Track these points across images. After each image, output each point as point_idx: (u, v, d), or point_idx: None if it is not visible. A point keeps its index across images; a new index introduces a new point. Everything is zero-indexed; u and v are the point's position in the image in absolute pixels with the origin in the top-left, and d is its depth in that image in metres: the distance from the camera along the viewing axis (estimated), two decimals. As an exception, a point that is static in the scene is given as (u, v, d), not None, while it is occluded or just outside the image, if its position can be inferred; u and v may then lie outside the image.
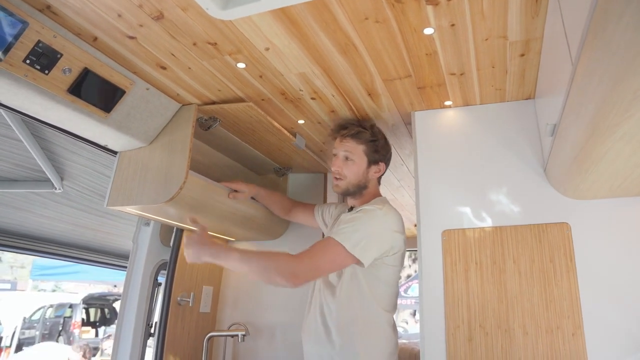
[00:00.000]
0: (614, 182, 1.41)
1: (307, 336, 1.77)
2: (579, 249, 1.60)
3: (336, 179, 1.82)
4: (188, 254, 1.58)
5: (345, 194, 1.84)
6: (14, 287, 14.51)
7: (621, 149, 1.10)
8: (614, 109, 0.89)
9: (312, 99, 1.85)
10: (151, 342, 2.22)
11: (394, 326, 1.73)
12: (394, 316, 1.77)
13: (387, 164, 1.88)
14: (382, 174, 1.87)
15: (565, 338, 1.53)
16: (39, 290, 14.02)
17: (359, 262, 1.57)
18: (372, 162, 1.81)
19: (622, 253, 1.56)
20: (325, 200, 2.66)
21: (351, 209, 1.85)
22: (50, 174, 2.74)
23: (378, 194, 1.86)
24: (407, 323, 8.94)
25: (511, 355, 1.56)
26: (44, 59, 1.32)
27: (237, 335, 2.34)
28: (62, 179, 2.86)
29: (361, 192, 1.82)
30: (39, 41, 1.28)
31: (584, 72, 0.94)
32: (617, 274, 1.54)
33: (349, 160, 1.79)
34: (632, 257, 1.54)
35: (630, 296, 1.51)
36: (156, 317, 2.24)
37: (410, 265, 8.54)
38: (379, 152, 1.83)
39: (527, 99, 1.83)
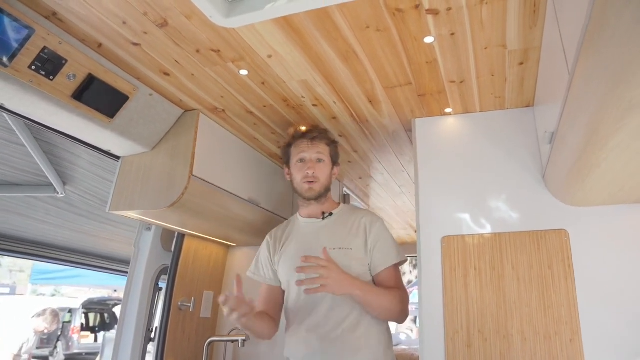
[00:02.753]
0: (612, 190, 1.42)
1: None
2: (577, 255, 1.62)
3: (310, 182, 1.75)
4: (333, 281, 1.47)
5: (318, 197, 1.77)
6: (13, 292, 14.46)
7: (617, 157, 1.11)
8: (610, 117, 0.91)
9: (314, 105, 1.87)
10: (151, 347, 2.22)
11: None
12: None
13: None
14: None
15: (563, 344, 1.54)
16: (38, 295, 13.98)
17: None
18: (334, 163, 1.82)
19: (620, 260, 1.57)
20: None
21: (330, 214, 1.76)
22: (52, 178, 2.75)
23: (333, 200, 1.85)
24: (412, 331, 8.83)
25: (510, 361, 1.57)
26: (49, 65, 1.34)
27: (237, 341, 2.34)
28: (64, 183, 2.86)
29: (326, 195, 1.79)
30: (44, 47, 1.30)
31: (580, 81, 0.95)
32: (615, 281, 1.55)
33: (321, 162, 1.77)
34: (630, 263, 1.55)
35: (627, 302, 1.52)
36: (157, 322, 2.25)
37: (411, 272, 8.51)
38: (338, 154, 1.86)
39: (526, 106, 1.85)
